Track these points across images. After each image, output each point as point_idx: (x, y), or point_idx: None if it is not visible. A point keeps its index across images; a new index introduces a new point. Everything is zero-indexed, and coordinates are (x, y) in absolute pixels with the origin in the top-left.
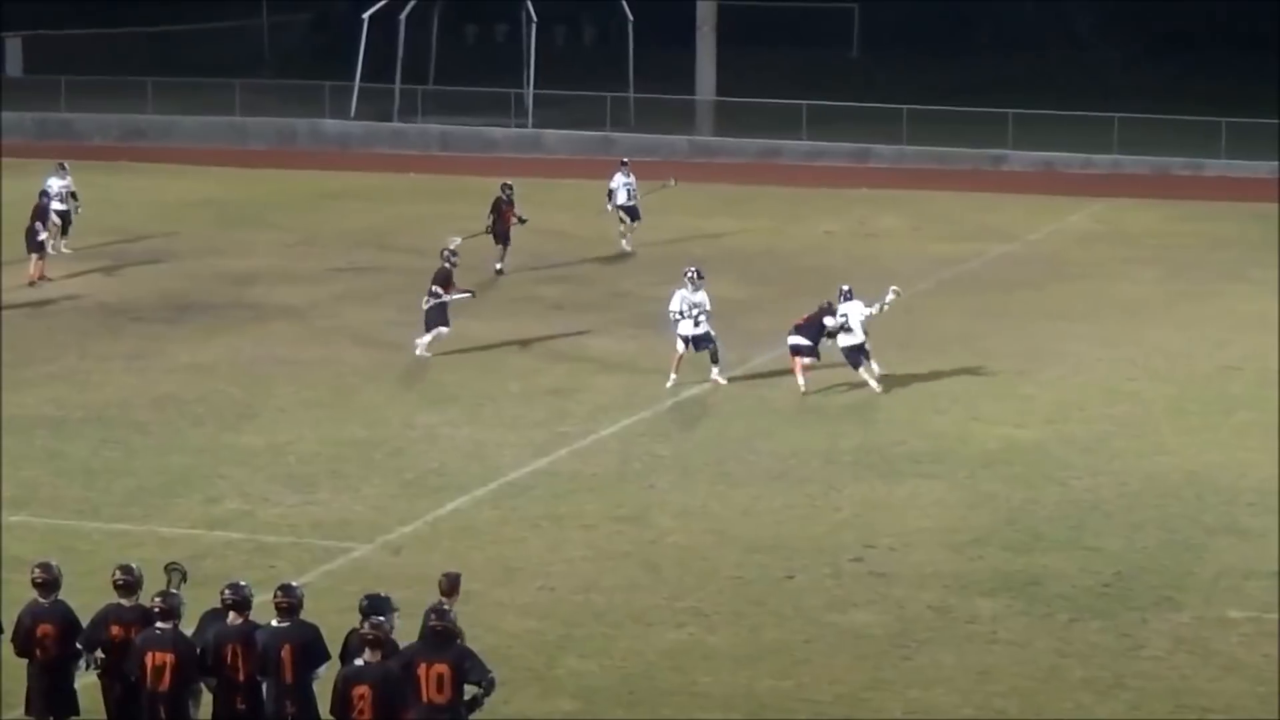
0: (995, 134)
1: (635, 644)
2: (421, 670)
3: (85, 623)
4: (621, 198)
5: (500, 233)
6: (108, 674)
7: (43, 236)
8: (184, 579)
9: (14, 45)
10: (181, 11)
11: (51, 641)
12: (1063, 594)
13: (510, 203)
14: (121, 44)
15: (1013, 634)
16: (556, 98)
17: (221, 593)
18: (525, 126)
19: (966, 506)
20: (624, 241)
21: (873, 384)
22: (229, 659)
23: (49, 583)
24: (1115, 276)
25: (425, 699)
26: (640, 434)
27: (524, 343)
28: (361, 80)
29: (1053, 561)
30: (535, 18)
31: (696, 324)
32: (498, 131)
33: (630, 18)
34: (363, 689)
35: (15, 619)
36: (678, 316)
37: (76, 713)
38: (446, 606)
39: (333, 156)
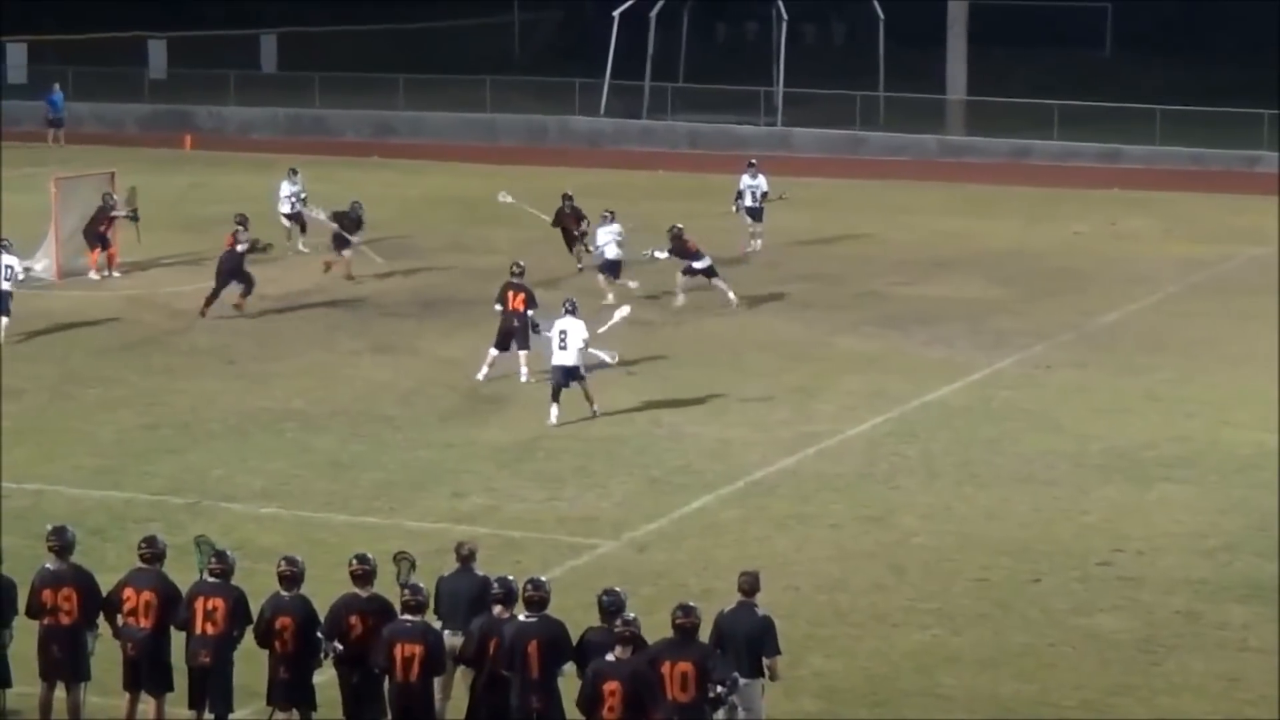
0: (1250, 135)
1: (879, 645)
2: (666, 668)
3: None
4: (747, 200)
5: (570, 238)
6: (345, 663)
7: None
8: (413, 568)
9: (269, 42)
10: (433, 9)
11: (290, 634)
12: None
13: (573, 212)
14: (373, 41)
15: (1264, 641)
16: (806, 96)
17: (490, 585)
18: (774, 125)
19: (1217, 512)
20: (754, 243)
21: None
22: (491, 651)
23: (293, 576)
24: None
25: (670, 697)
26: (886, 434)
27: (769, 341)
28: (611, 78)
29: None
30: (786, 16)
31: (562, 347)
32: (747, 129)
33: (881, 16)
34: (614, 684)
35: (259, 610)
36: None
37: (314, 707)
38: (755, 604)
39: (582, 153)
